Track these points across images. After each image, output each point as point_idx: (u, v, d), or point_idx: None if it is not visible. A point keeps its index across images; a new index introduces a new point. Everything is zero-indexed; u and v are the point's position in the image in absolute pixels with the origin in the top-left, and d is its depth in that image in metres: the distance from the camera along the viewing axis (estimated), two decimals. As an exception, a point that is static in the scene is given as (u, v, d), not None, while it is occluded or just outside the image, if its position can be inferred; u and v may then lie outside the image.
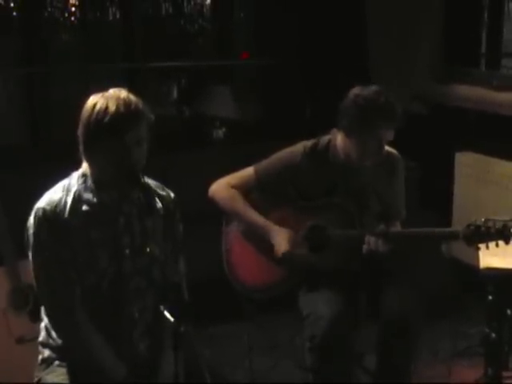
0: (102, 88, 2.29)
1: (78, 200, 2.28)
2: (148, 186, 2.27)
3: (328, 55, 4.98)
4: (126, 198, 2.33)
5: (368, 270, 2.92)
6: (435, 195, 4.65)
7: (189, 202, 2.60)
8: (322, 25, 5.00)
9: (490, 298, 3.07)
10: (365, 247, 2.79)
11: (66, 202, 2.27)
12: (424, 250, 3.49)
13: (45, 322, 2.38)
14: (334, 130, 2.95)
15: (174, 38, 5.97)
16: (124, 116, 2.20)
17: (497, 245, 2.68)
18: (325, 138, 3.00)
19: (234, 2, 5.81)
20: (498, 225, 2.65)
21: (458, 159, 4.51)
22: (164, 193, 2.40)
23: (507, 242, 2.65)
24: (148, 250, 2.32)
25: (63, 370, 2.32)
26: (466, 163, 4.47)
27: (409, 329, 2.80)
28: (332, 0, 4.92)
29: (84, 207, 2.28)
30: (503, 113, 4.29)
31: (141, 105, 2.25)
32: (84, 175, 2.31)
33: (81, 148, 2.28)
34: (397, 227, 3.02)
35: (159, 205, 2.30)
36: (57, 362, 2.34)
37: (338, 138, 2.93)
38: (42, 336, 2.40)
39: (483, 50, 4.89)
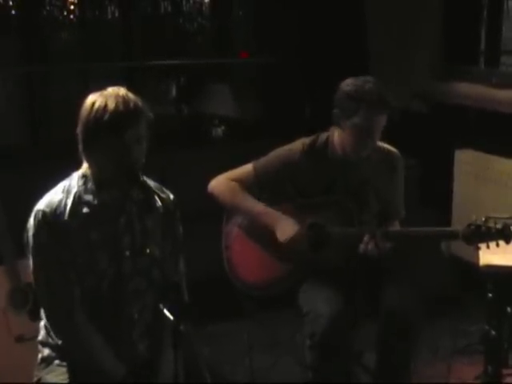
0: (102, 87, 2.29)
1: (78, 202, 2.28)
2: (147, 185, 2.27)
3: (328, 53, 4.98)
4: (127, 196, 2.33)
5: (367, 268, 2.92)
6: (435, 193, 4.65)
7: (188, 200, 2.60)
8: (322, 23, 5.00)
9: (490, 295, 3.06)
10: (361, 246, 2.79)
11: (66, 204, 2.26)
12: (423, 249, 3.48)
13: (44, 320, 2.38)
14: (333, 127, 2.95)
15: (173, 37, 5.96)
16: (123, 114, 2.20)
17: (497, 244, 2.67)
18: (323, 135, 3.00)
19: (233, 1, 5.81)
20: (499, 224, 2.65)
21: (458, 157, 4.51)
22: (164, 194, 2.39)
23: (508, 242, 2.65)
24: (148, 251, 2.32)
25: (63, 370, 2.32)
26: (465, 161, 4.48)
27: (409, 327, 2.79)
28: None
29: (84, 209, 2.28)
30: (503, 110, 4.30)
31: (140, 103, 2.25)
32: (84, 176, 2.31)
33: (80, 147, 2.27)
34: (396, 227, 3.02)
35: (159, 203, 2.30)
36: (57, 362, 2.34)
37: (335, 134, 2.94)
38: (42, 335, 2.40)
39: (482, 47, 4.89)
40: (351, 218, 2.90)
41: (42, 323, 2.39)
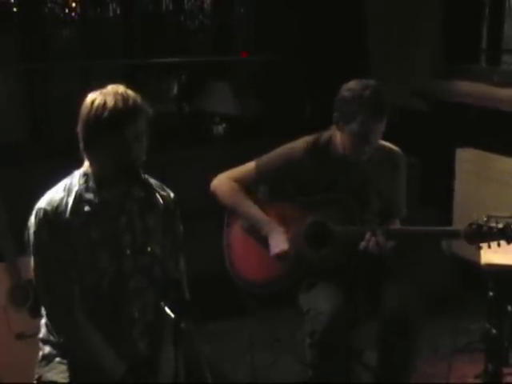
0: (103, 84, 2.29)
1: (79, 200, 2.28)
2: (148, 183, 2.27)
3: (328, 52, 4.98)
4: (127, 195, 2.33)
5: (368, 266, 2.91)
6: (436, 191, 4.65)
7: (189, 198, 2.60)
8: (323, 21, 5.00)
9: (491, 294, 3.06)
10: (362, 244, 2.79)
11: (67, 203, 2.27)
12: (424, 247, 3.48)
13: (45, 318, 2.38)
14: (334, 126, 2.95)
15: (174, 35, 5.96)
16: (122, 111, 2.20)
17: (498, 244, 2.67)
18: (326, 134, 3.00)
19: (234, -2, 5.82)
20: (500, 224, 2.65)
21: (459, 155, 4.51)
22: (164, 192, 2.39)
23: (509, 242, 2.65)
24: (149, 249, 2.32)
25: (64, 367, 2.32)
26: (466, 159, 4.47)
27: (409, 326, 2.79)
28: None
29: (85, 208, 2.28)
30: (504, 109, 4.29)
31: (139, 100, 2.25)
32: (85, 174, 2.31)
33: (81, 145, 2.28)
34: (396, 225, 3.01)
35: (160, 201, 2.30)
36: (57, 359, 2.34)
37: (337, 133, 2.93)
38: (43, 332, 2.40)
39: (484, 46, 4.89)
40: (353, 216, 2.90)
41: (43, 321, 2.39)
